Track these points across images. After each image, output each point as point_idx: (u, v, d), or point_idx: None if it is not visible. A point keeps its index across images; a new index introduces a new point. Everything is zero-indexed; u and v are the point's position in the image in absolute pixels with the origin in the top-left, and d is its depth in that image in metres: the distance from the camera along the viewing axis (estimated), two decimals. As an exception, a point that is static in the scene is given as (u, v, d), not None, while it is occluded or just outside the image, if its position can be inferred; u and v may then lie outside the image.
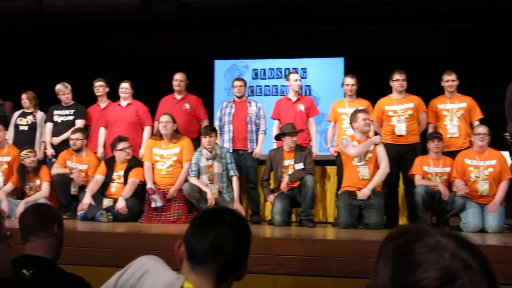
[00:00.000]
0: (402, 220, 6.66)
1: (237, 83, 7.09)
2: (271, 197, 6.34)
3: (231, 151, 6.68)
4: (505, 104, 6.27)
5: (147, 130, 7.00)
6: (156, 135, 6.59)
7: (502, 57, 8.18)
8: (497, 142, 6.13)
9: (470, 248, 0.99)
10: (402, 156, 6.31)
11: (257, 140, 6.93)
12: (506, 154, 6.11)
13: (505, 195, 5.80)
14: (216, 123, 7.05)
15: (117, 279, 1.77)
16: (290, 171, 6.30)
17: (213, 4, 9.50)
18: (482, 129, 5.92)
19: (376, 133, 6.59)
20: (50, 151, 7.11)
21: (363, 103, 6.65)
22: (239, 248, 1.67)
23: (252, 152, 6.85)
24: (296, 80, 7.01)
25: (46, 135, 7.24)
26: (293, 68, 9.15)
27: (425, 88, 6.67)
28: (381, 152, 6.02)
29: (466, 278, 0.93)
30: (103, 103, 7.33)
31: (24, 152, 6.57)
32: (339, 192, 6.22)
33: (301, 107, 6.97)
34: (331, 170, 7.13)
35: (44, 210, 2.81)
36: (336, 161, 6.61)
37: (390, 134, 6.43)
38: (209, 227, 1.66)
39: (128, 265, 1.79)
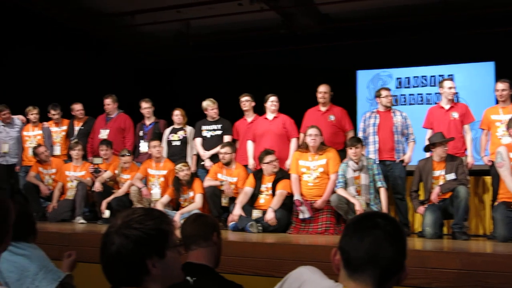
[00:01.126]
0: None
1: (386, 92, 6.99)
2: (421, 209, 6.15)
3: (377, 162, 6.58)
4: None
5: (293, 142, 7.09)
6: (302, 147, 6.65)
7: None
8: None
9: None
10: None
11: (403, 150, 6.78)
12: None
13: None
14: (360, 134, 6.98)
15: None
16: (441, 182, 6.08)
17: (353, 15, 9.50)
18: None
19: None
20: (208, 163, 7.40)
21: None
22: (395, 253, 1.63)
23: (399, 162, 6.70)
24: (450, 88, 6.77)
25: (198, 150, 7.57)
26: (439, 75, 8.89)
27: None
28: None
29: None
30: (249, 117, 7.53)
31: (178, 166, 6.89)
32: (495, 203, 5.88)
33: (455, 115, 6.72)
34: (486, 180, 6.80)
35: (203, 220, 2.91)
36: (491, 170, 6.28)
37: None
38: (364, 233, 1.63)
39: (285, 277, 1.81)
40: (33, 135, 8.32)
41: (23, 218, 2.98)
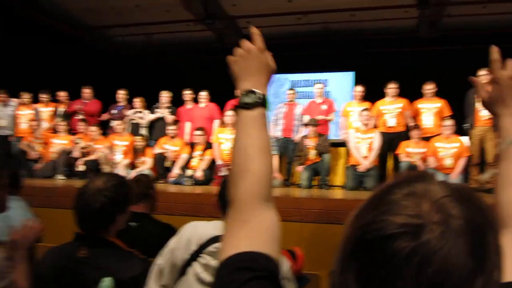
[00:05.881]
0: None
1: (290, 91, 7.17)
2: (299, 168, 6.39)
3: (282, 137, 6.80)
4: (465, 104, 6.09)
5: (216, 122, 7.08)
6: (223, 125, 6.68)
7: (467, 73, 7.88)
8: (459, 131, 5.98)
9: (466, 204, 0.53)
10: (392, 140, 6.24)
11: (298, 131, 6.97)
12: (465, 139, 5.96)
13: (463, 167, 5.72)
14: (273, 118, 7.07)
15: (176, 241, 1.72)
16: (313, 151, 6.32)
17: (264, 37, 9.53)
18: (449, 122, 5.82)
19: (375, 125, 6.48)
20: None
21: (365, 104, 6.59)
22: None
23: (293, 139, 6.88)
24: (317, 89, 7.05)
25: (149, 118, 7.43)
26: (318, 80, 9.11)
27: (411, 93, 6.54)
28: (376, 140, 6.02)
29: (435, 235, 0.50)
30: (189, 105, 7.42)
31: (136, 138, 6.79)
32: (347, 165, 6.22)
33: (324, 106, 6.96)
34: (342, 150, 7.08)
35: (136, 184, 2.63)
36: (346, 145, 6.58)
37: (384, 125, 6.37)
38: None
39: (179, 232, 1.78)
40: (26, 114, 7.82)
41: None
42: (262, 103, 0.87)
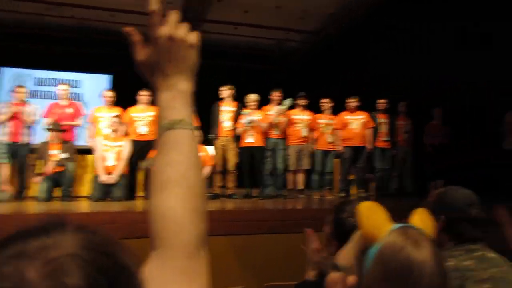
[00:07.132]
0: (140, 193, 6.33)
1: (19, 89, 6.11)
2: (36, 179, 5.61)
3: (9, 142, 5.76)
4: (211, 116, 6.47)
5: None
6: None
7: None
8: (205, 141, 6.29)
9: (92, 268, 0.38)
10: (143, 148, 6.05)
11: (30, 134, 6.06)
12: (210, 148, 6.31)
13: (208, 175, 5.96)
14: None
15: None
16: (55, 159, 5.65)
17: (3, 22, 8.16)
18: (196, 133, 6.07)
19: (126, 133, 6.25)
20: None
21: (116, 110, 6.29)
22: None
23: (25, 144, 5.96)
24: (62, 90, 6.39)
25: None
26: (70, 80, 8.33)
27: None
28: (125, 149, 5.80)
29: None
30: None
31: None
32: (94, 174, 5.79)
33: (70, 110, 6.33)
34: (90, 157, 6.55)
35: None
36: (93, 152, 6.13)
37: (135, 133, 6.20)
38: None
39: None
40: None
41: None
42: None
